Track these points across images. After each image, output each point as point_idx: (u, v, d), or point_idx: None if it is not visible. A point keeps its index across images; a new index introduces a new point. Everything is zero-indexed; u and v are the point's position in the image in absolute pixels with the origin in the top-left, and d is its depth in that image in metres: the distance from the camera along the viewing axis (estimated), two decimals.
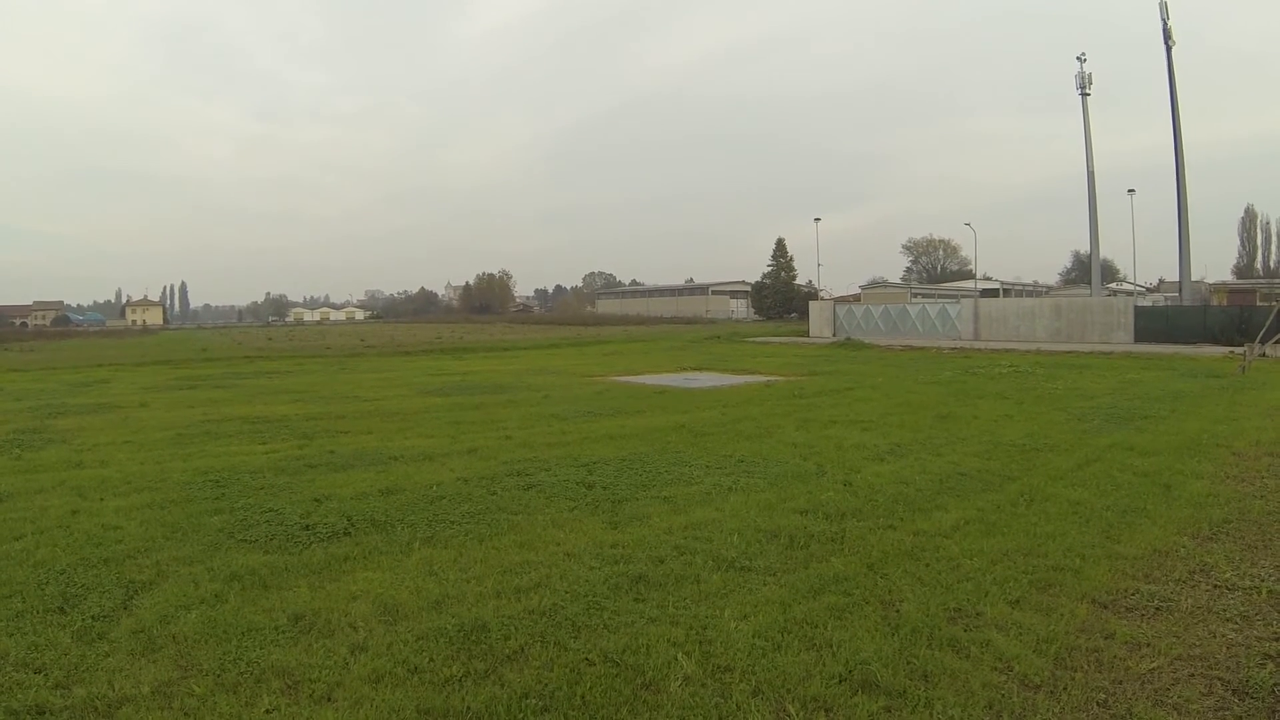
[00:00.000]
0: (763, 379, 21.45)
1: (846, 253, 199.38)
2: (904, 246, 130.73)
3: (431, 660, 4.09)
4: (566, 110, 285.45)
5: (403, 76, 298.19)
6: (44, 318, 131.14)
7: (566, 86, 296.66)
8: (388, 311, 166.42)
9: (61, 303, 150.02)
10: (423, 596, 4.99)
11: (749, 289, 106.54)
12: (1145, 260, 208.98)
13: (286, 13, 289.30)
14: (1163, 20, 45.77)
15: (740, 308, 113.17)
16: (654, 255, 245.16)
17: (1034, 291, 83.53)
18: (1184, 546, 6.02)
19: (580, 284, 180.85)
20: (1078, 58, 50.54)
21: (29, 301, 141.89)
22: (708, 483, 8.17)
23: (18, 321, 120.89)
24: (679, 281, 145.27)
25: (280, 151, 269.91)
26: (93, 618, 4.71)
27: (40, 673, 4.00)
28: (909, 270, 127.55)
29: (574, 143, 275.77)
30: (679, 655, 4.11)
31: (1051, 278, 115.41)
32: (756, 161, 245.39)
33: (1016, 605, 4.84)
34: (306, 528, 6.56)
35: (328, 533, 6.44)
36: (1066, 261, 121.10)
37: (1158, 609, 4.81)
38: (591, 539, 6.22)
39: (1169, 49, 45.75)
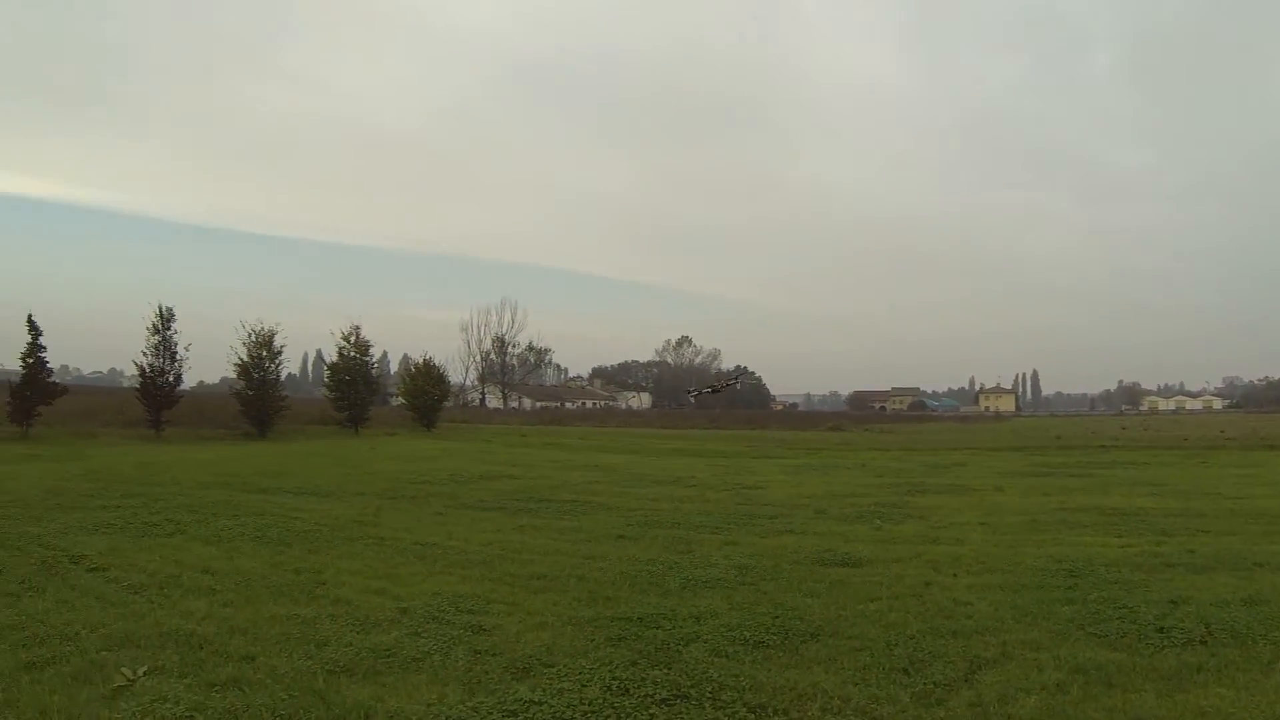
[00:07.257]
0: None
1: None
2: None
3: None
4: None
5: (1228, 147, 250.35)
6: (901, 402, 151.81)
7: None
8: (1247, 400, 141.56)
9: (917, 389, 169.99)
10: None
11: None
12: None
13: (1102, 91, 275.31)
14: None
15: None
16: None
17: None
18: None
19: None
20: None
21: (888, 388, 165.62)
22: None
23: (877, 405, 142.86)
24: None
25: (1113, 236, 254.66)
26: (934, 684, 4.92)
27: None
28: None
29: None
30: None
31: None
32: None
33: None
34: (1160, 630, 5.99)
35: (1183, 638, 5.80)
36: None
37: None
38: None
39: None
